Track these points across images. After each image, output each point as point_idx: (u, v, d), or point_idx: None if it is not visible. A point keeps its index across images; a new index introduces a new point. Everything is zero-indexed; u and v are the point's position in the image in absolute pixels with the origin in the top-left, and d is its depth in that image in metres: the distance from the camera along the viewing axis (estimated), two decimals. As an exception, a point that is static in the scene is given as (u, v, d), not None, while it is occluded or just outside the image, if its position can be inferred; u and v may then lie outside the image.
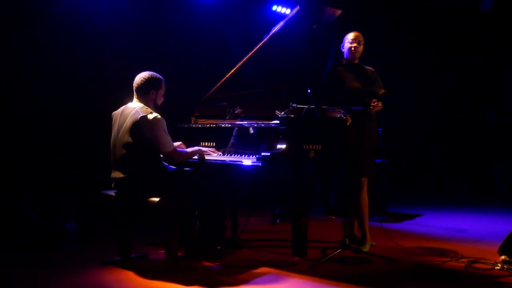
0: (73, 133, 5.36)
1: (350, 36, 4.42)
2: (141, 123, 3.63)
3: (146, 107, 3.75)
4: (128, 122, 3.69)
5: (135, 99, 3.83)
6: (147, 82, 3.79)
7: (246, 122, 4.24)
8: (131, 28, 5.76)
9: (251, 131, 4.12)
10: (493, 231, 5.22)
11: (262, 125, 4.04)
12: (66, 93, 5.29)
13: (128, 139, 3.67)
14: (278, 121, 3.87)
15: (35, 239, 4.40)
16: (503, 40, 8.10)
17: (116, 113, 3.87)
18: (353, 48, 4.38)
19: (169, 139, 3.74)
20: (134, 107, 3.74)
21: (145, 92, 3.79)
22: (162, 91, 3.87)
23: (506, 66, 8.34)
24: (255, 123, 4.12)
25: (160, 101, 3.88)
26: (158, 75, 3.85)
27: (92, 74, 5.46)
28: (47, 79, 5.14)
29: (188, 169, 3.98)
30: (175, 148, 3.80)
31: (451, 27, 8.48)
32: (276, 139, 3.77)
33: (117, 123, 3.80)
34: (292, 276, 3.62)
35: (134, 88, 3.83)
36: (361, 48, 4.41)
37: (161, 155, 3.77)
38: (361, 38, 4.42)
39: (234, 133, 4.24)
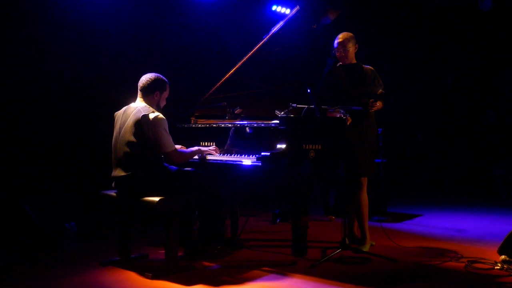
0: (73, 133, 5.36)
1: (334, 44, 4.39)
2: (142, 122, 3.64)
3: (149, 106, 3.77)
4: (130, 120, 3.70)
5: (138, 99, 3.86)
6: (152, 82, 3.83)
7: (246, 122, 4.24)
8: (130, 28, 5.75)
9: (248, 130, 4.12)
10: (493, 231, 5.22)
11: (262, 125, 4.03)
12: (66, 93, 5.27)
13: (129, 137, 3.67)
14: (278, 121, 3.86)
15: (34, 239, 4.40)
16: (503, 40, 8.11)
17: (118, 113, 3.89)
18: (338, 54, 4.38)
19: (170, 139, 3.74)
20: (137, 106, 3.76)
21: (150, 93, 3.83)
22: (165, 94, 3.92)
23: (505, 67, 8.35)
24: (254, 123, 4.11)
25: (162, 104, 3.92)
26: (164, 78, 3.89)
27: (92, 73, 5.45)
28: (45, 78, 5.13)
29: (188, 169, 3.98)
30: (175, 149, 3.80)
31: (450, 27, 8.49)
32: (276, 139, 3.77)
33: (119, 122, 3.82)
34: (292, 276, 3.62)
35: (139, 87, 3.85)
36: (348, 52, 4.35)
37: (162, 156, 3.77)
38: (346, 42, 4.33)
39: (230, 133, 4.24)
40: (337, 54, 4.40)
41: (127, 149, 3.68)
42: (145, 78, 3.84)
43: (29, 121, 5.04)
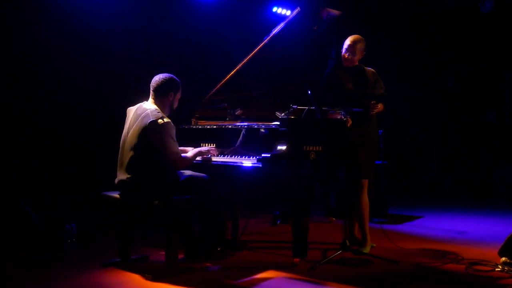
0: (74, 133, 5.36)
1: (345, 44, 4.33)
2: (150, 127, 3.59)
3: (158, 110, 3.71)
4: (138, 124, 3.66)
5: (150, 100, 3.81)
6: (167, 83, 3.76)
7: (246, 124, 4.24)
8: (132, 29, 5.75)
9: (243, 132, 4.14)
10: (494, 233, 5.22)
11: (263, 127, 4.03)
12: (67, 93, 5.27)
13: (135, 141, 3.65)
14: (278, 123, 3.86)
15: (35, 240, 4.40)
16: (503, 41, 8.10)
17: (131, 109, 3.85)
18: (345, 56, 4.33)
19: (176, 146, 3.69)
20: (147, 109, 3.70)
21: (164, 94, 3.77)
22: (179, 95, 3.87)
23: (506, 68, 8.34)
24: (255, 125, 4.11)
25: (175, 105, 3.87)
26: (177, 78, 3.82)
27: (93, 75, 5.45)
28: (47, 79, 5.13)
29: (188, 171, 3.98)
30: (181, 156, 3.75)
31: (451, 29, 8.49)
32: (276, 140, 3.77)
33: (129, 121, 3.79)
34: (292, 278, 3.62)
35: (152, 88, 3.78)
36: (356, 57, 4.33)
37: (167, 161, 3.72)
38: (357, 47, 4.30)
39: (227, 134, 4.27)
40: (346, 56, 4.33)
41: (132, 153, 3.66)
42: (159, 78, 3.77)
43: (31, 122, 5.04)
